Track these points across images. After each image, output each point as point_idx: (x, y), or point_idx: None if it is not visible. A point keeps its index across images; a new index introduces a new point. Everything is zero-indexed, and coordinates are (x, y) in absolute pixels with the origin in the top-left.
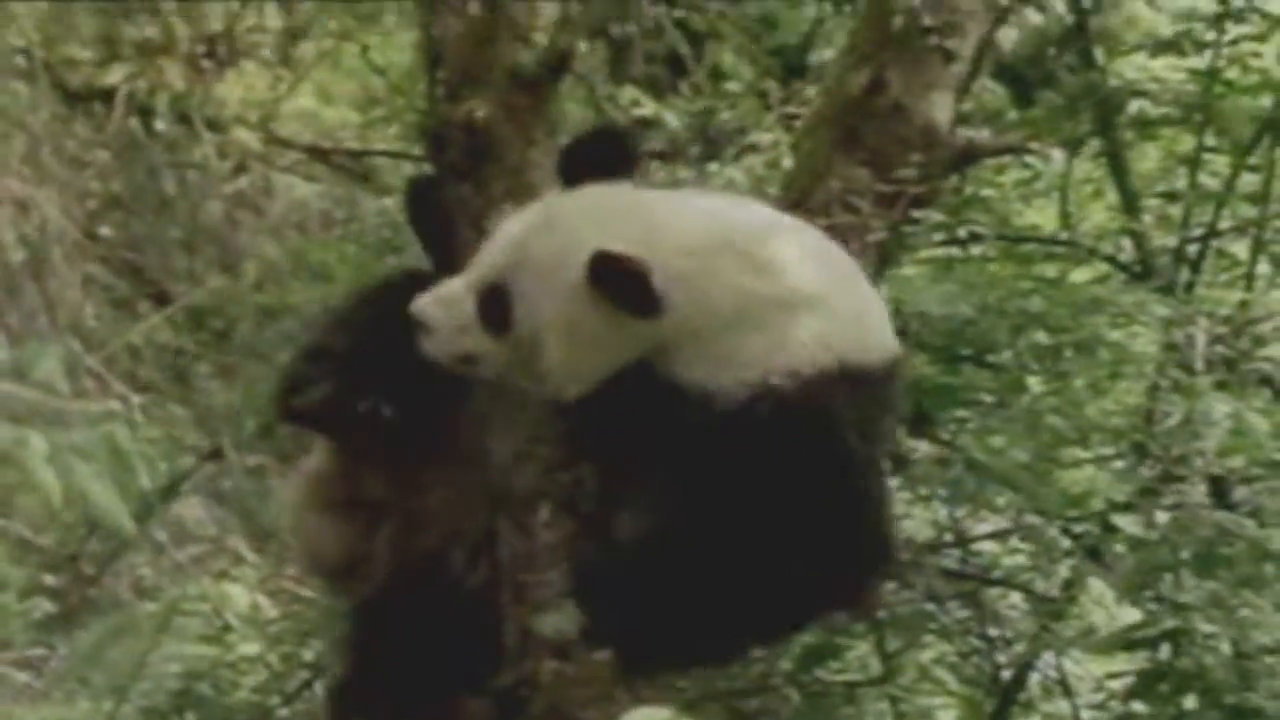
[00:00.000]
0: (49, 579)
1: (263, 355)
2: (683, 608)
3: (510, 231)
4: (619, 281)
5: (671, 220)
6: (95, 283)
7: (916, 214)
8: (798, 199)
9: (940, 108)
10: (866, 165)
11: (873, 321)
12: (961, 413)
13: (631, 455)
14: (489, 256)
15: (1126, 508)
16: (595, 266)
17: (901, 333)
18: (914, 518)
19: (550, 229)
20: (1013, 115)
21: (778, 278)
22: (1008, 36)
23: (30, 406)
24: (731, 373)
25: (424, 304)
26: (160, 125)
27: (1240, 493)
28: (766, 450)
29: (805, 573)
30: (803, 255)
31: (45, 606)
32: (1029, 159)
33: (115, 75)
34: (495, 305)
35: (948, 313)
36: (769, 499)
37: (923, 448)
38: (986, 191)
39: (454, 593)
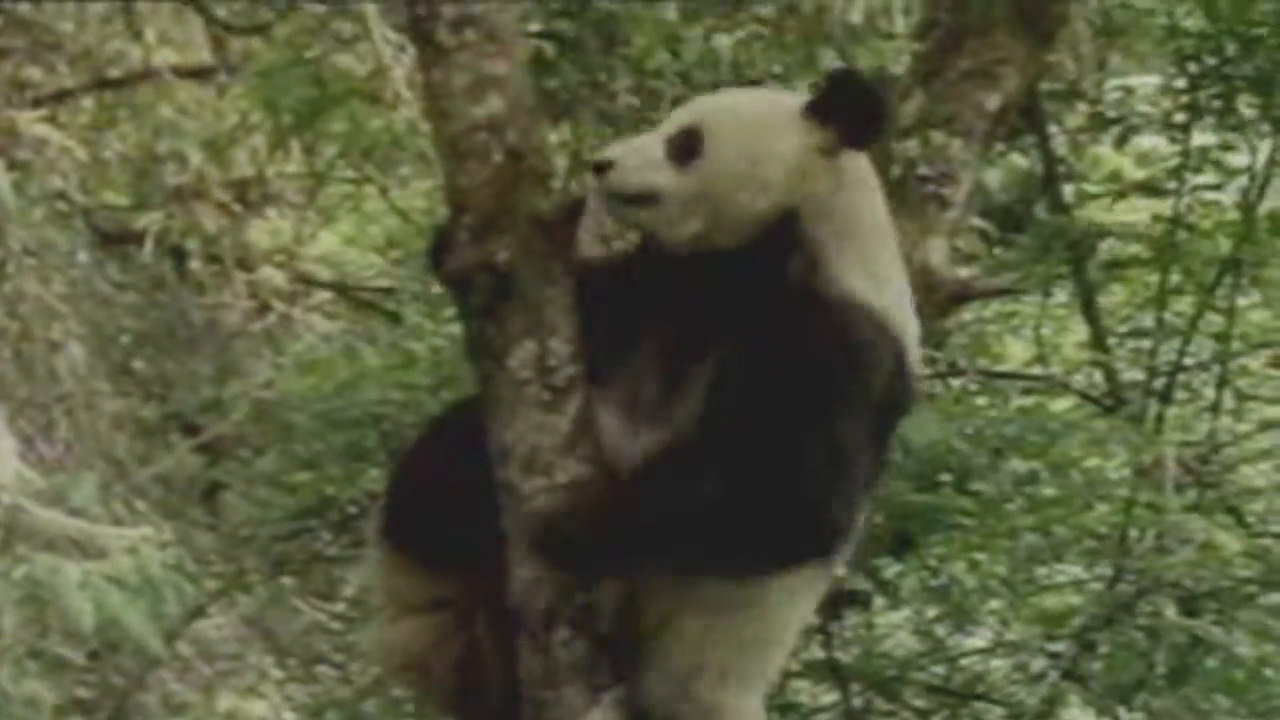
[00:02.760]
0: (81, 693)
1: (282, 483)
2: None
3: (710, 96)
4: (857, 99)
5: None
6: (127, 415)
7: None
8: None
9: (936, 251)
10: None
11: None
12: (944, 534)
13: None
14: (683, 111)
15: (1108, 622)
16: (837, 80)
17: None
18: (901, 631)
19: (756, 94)
20: (996, 252)
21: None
22: (994, 177)
23: (66, 534)
24: (849, 272)
25: (610, 149)
26: (194, 265)
27: (1210, 608)
28: (835, 351)
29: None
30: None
31: None
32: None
33: (148, 219)
34: (686, 140)
35: (929, 441)
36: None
37: (908, 569)
38: (974, 325)
39: None
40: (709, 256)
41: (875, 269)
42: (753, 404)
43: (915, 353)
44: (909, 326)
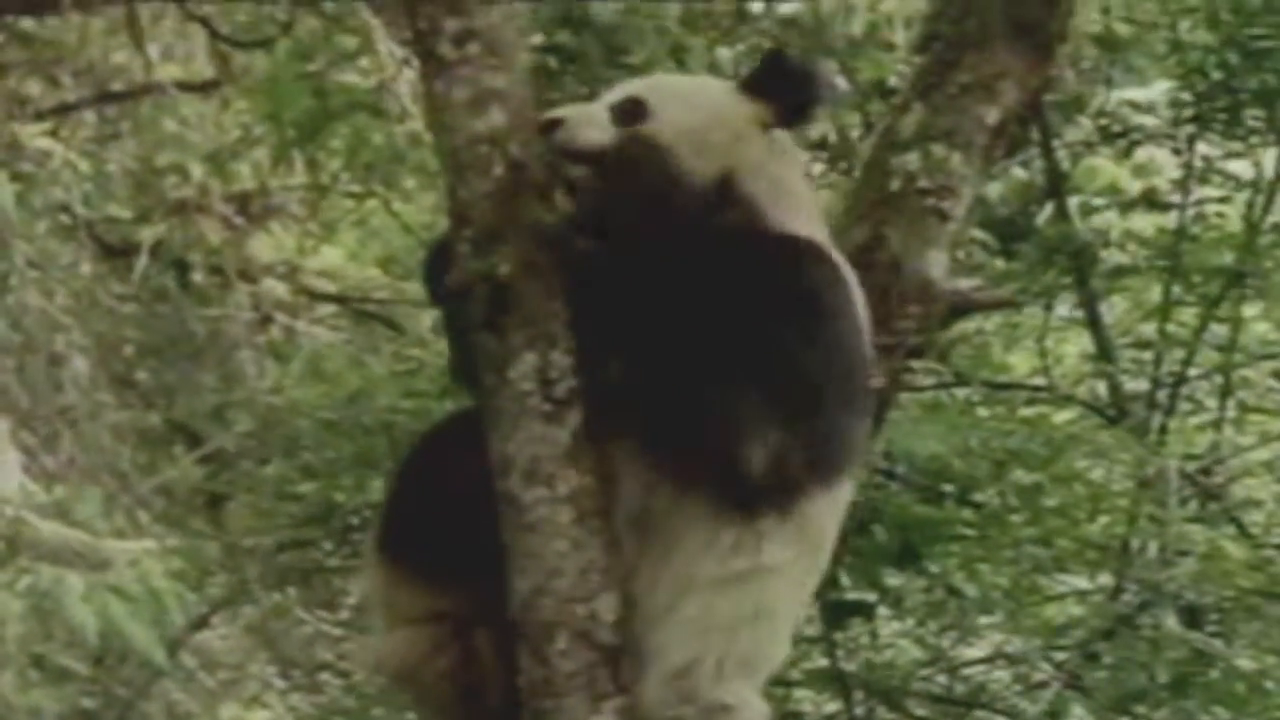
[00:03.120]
0: (86, 703)
1: (288, 494)
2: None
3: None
4: (792, 77)
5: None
6: (130, 426)
7: (914, 363)
8: None
9: (935, 264)
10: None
11: None
12: (947, 546)
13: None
14: (624, 85)
15: (1108, 634)
16: (772, 59)
17: (889, 473)
18: (903, 640)
19: (693, 76)
20: (998, 263)
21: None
22: (994, 189)
23: (71, 546)
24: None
25: (558, 109)
26: (196, 277)
27: (1212, 619)
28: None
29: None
30: None
31: None
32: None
33: (151, 232)
34: (630, 106)
35: (933, 453)
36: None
37: (911, 580)
38: (977, 337)
39: None
40: (656, 222)
41: (810, 221)
42: (710, 328)
43: (861, 300)
44: (850, 272)
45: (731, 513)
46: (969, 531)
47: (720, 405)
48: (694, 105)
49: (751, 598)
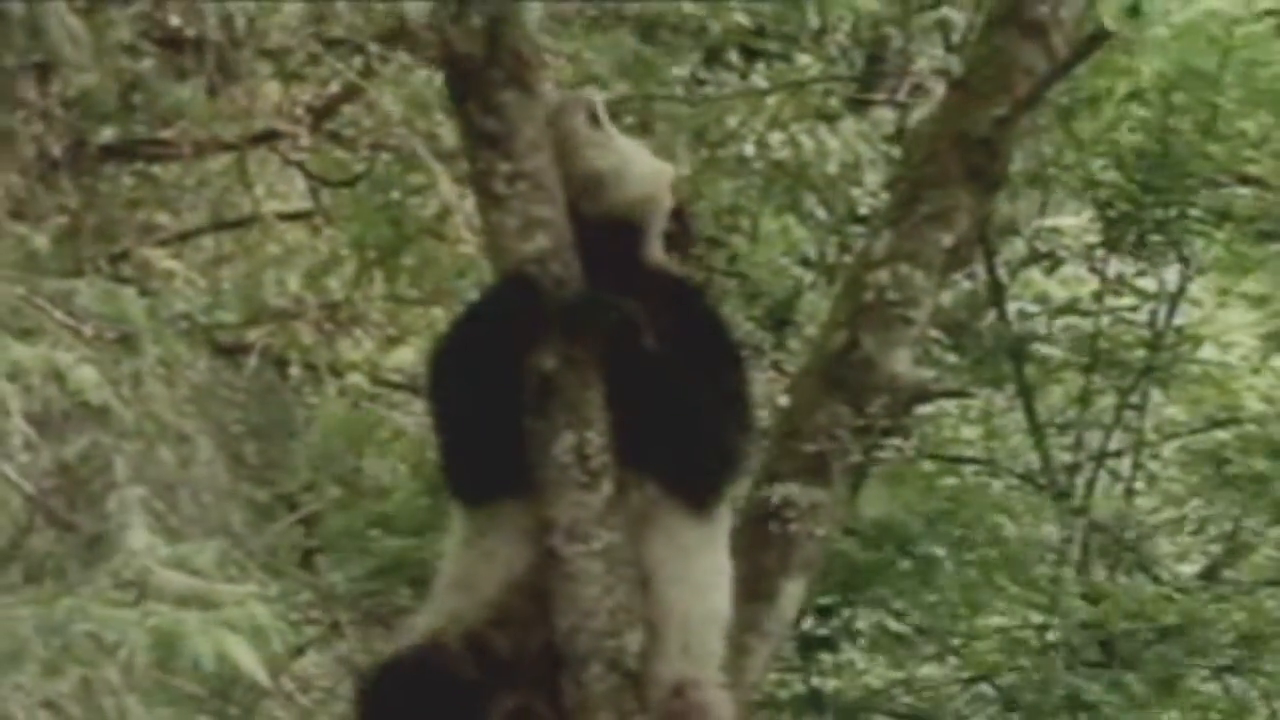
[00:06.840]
0: (201, 719)
1: (369, 551)
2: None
3: None
4: (683, 225)
5: None
6: (241, 495)
7: (884, 442)
8: (793, 430)
9: (901, 360)
10: (846, 404)
11: None
12: (880, 590)
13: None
14: None
15: (1033, 666)
16: (679, 209)
17: (850, 531)
18: (861, 662)
19: None
20: (950, 359)
21: None
22: (946, 296)
23: (190, 591)
24: None
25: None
26: (294, 373)
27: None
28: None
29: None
30: None
31: None
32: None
33: (257, 334)
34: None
35: (878, 516)
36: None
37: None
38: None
39: None
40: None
41: None
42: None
43: None
44: None
45: (706, 515)
46: (905, 575)
47: (719, 445)
48: (652, 158)
49: (720, 581)
